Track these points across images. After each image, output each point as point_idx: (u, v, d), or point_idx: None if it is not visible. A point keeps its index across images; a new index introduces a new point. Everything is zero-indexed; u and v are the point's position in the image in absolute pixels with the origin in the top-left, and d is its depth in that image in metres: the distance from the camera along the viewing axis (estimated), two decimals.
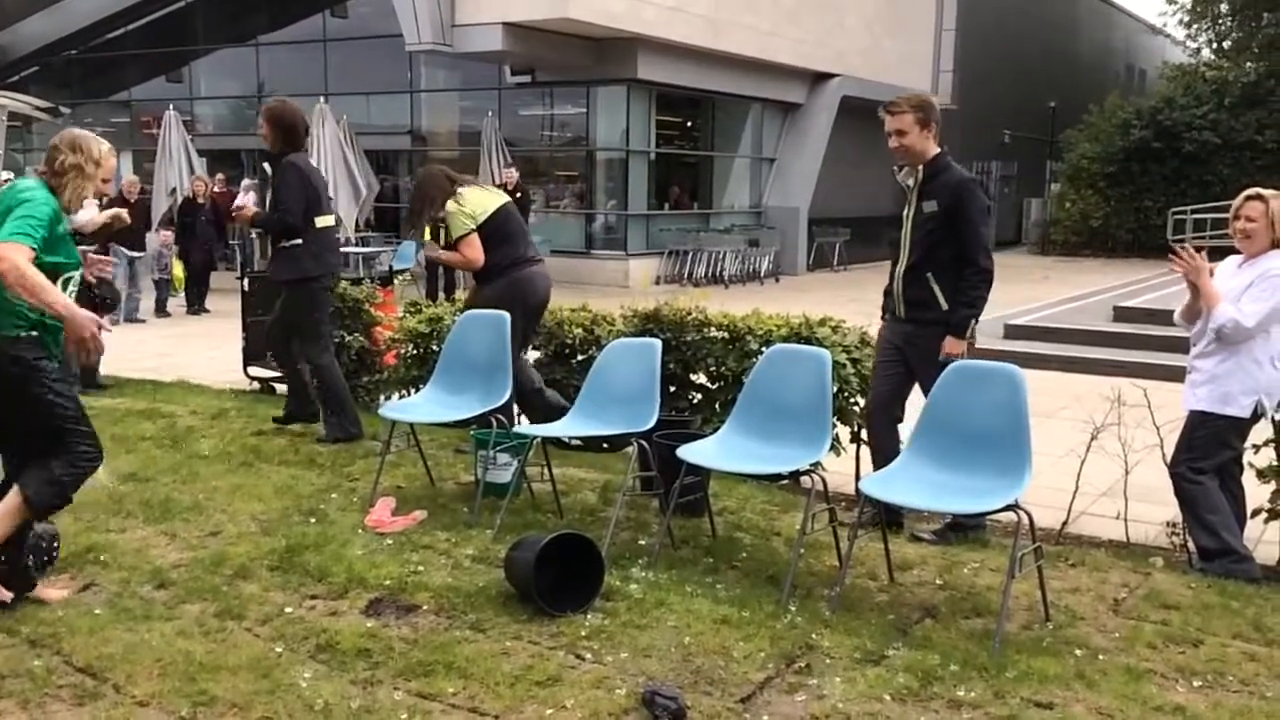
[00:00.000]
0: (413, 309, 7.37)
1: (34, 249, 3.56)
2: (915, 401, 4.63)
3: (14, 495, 3.76)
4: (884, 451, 4.97)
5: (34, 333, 3.71)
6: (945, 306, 4.80)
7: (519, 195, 15.73)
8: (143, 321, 13.64)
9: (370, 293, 7.76)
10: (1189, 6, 33.16)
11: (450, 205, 6.01)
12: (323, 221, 6.43)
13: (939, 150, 4.85)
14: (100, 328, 3.65)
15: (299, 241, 6.31)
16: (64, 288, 3.75)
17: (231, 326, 8.63)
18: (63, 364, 3.94)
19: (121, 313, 13.00)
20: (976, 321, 4.83)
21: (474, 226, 5.98)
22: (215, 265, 14.85)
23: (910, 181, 4.90)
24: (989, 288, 4.80)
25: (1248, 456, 4.74)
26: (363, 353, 7.60)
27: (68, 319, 3.59)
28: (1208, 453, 4.59)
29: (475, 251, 5.98)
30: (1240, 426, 4.57)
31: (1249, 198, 4.60)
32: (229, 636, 3.68)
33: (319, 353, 6.51)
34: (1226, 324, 4.46)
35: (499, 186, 16.07)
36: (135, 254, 13.37)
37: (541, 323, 6.52)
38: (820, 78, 22.55)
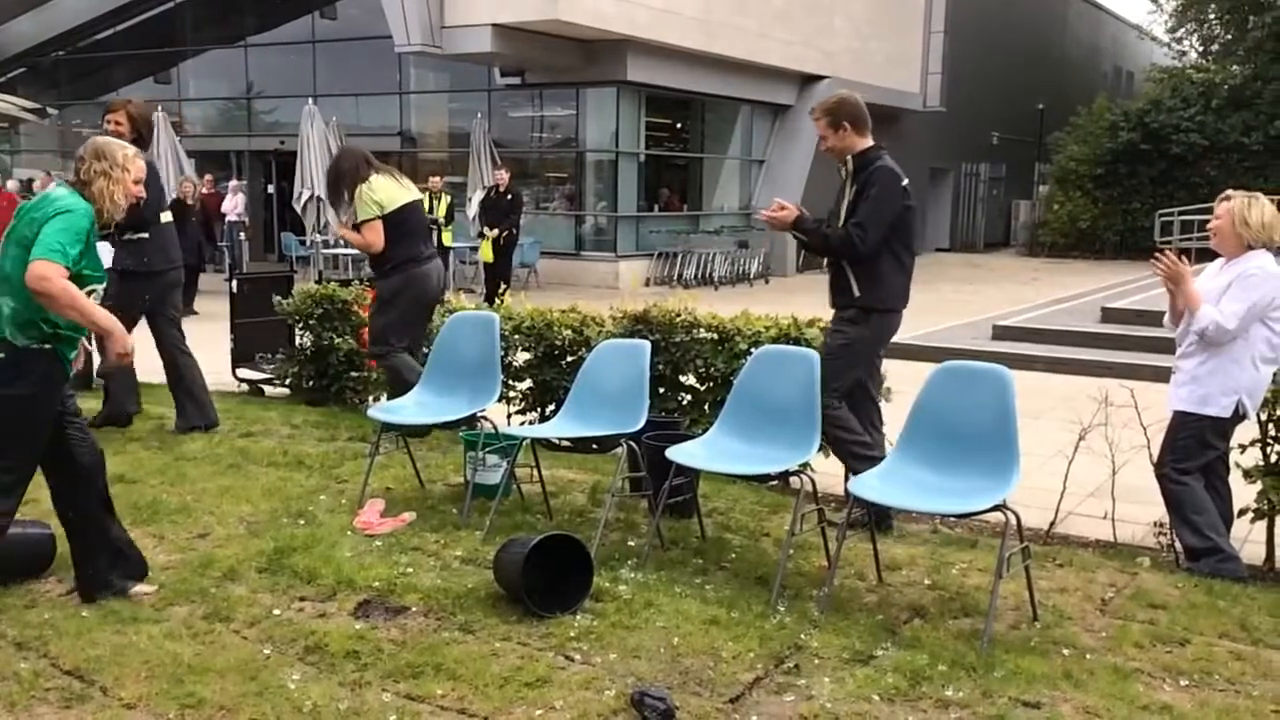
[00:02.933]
0: None
1: (67, 268, 3.58)
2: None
3: None
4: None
5: (46, 345, 3.70)
6: (858, 294, 4.92)
7: (509, 197, 15.73)
8: None
9: (359, 294, 7.74)
10: (1174, 10, 33.36)
11: (361, 189, 6.27)
12: (165, 216, 6.57)
13: (867, 145, 4.96)
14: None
15: (145, 235, 6.41)
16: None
17: (219, 329, 8.59)
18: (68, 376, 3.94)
19: None
20: (803, 245, 5.04)
21: (379, 214, 6.25)
22: (203, 267, 14.78)
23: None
24: (848, 252, 4.88)
25: (1234, 456, 4.77)
26: (351, 354, 7.59)
27: (113, 335, 3.70)
28: (1191, 453, 4.62)
29: (376, 236, 6.25)
30: (1221, 426, 4.59)
31: (1221, 199, 4.70)
32: (217, 638, 3.67)
33: (179, 341, 6.62)
34: (1209, 326, 4.49)
35: (490, 188, 16.12)
36: None
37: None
38: (809, 79, 22.60)
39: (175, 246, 6.68)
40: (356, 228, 6.34)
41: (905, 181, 4.91)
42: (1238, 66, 28.75)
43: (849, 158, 4.96)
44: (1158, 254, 4.66)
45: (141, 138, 6.36)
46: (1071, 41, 37.30)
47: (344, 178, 6.37)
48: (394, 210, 6.29)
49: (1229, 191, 4.70)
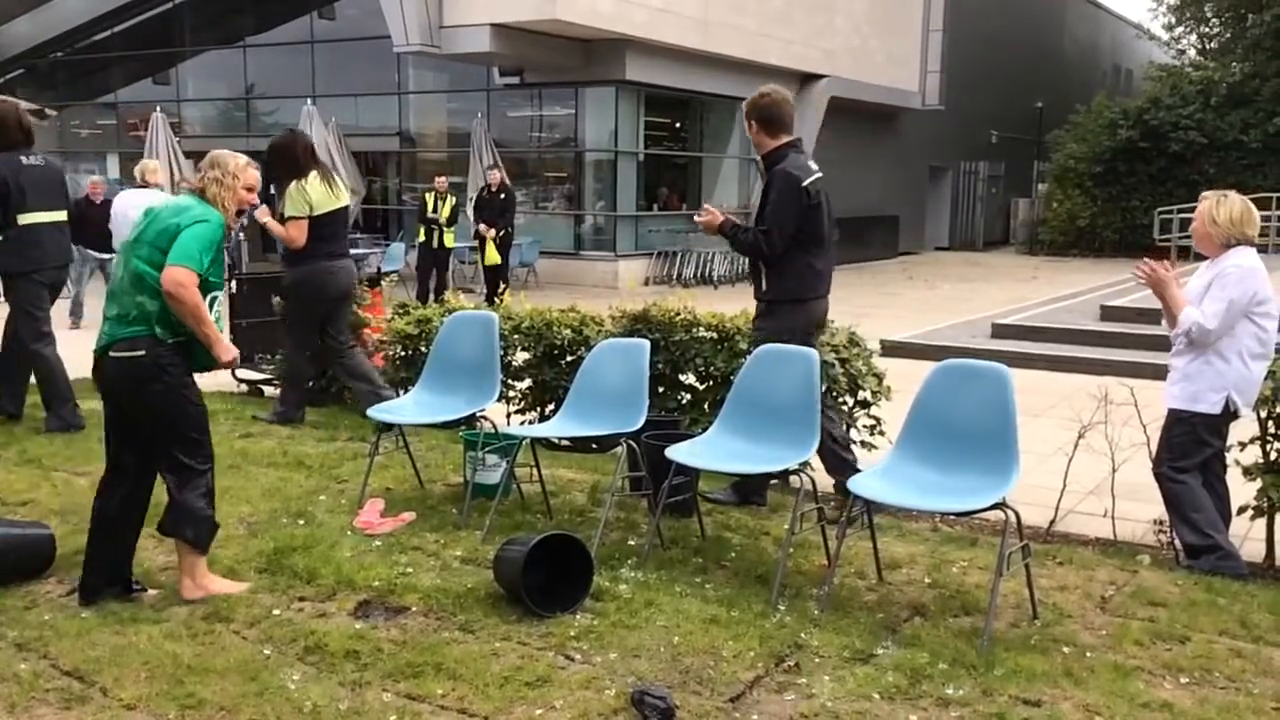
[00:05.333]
0: (401, 310, 7.36)
1: (200, 276, 3.82)
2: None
3: (180, 548, 4.00)
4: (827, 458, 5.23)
5: (180, 339, 3.90)
6: (764, 288, 5.17)
7: (503, 196, 15.68)
8: None
9: (358, 294, 7.74)
10: (1172, 8, 33.38)
11: (293, 186, 6.53)
12: (29, 218, 6.42)
13: (777, 145, 5.12)
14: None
15: (1, 238, 6.48)
16: (210, 306, 3.93)
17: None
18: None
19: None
20: (732, 242, 5.23)
21: (307, 214, 6.54)
22: None
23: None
24: (758, 255, 5.12)
25: (1234, 454, 4.77)
26: None
27: (218, 345, 3.93)
28: (1187, 451, 4.63)
29: (299, 233, 6.58)
30: (1214, 423, 4.60)
31: (1203, 199, 4.76)
32: (217, 639, 3.67)
33: (32, 339, 6.60)
34: (1192, 328, 4.52)
35: (483, 187, 16.08)
36: (105, 256, 12.38)
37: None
38: (809, 78, 22.59)
39: (38, 247, 6.52)
40: (282, 219, 6.63)
41: (807, 181, 5.03)
42: (1236, 64, 28.75)
43: (759, 157, 5.15)
44: (1140, 262, 4.71)
45: (9, 140, 6.32)
46: (1070, 40, 37.30)
47: (289, 170, 6.57)
48: (322, 214, 6.58)
49: (1205, 194, 4.76)
